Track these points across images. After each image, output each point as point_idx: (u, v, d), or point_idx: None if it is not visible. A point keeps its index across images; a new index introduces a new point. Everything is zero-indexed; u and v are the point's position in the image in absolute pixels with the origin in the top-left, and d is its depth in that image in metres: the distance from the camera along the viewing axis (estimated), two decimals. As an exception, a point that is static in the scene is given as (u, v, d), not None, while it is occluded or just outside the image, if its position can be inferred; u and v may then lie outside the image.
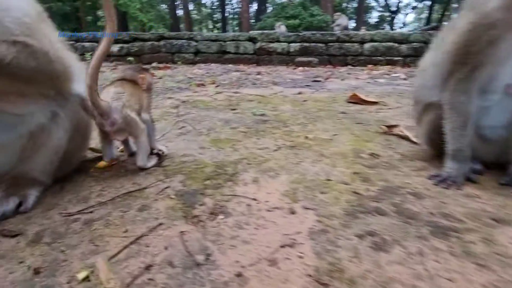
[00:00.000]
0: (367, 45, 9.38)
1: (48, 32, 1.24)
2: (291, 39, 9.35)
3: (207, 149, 1.85)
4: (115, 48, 8.97)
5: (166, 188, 1.34)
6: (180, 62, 9.00)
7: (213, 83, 5.24)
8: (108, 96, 1.43)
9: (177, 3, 24.61)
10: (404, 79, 6.39)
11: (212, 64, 8.84)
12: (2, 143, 1.21)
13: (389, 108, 3.04)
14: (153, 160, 1.59)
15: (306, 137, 2.05)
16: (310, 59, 9.22)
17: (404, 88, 4.74)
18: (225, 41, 9.27)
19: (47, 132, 1.29)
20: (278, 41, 9.35)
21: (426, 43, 9.07)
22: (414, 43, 9.23)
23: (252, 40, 9.29)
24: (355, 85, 5.24)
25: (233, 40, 9.26)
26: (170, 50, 9.15)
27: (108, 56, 9.13)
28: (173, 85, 4.87)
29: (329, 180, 1.40)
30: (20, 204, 1.17)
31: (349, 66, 9.05)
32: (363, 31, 10.09)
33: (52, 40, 1.24)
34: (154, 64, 8.64)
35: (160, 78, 5.93)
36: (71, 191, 1.33)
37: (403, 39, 9.28)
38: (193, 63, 9.14)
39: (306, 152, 1.78)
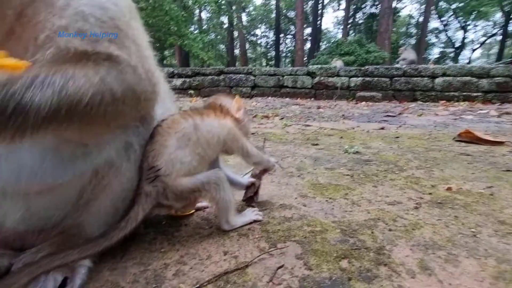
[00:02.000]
0: (438, 80, 8.52)
1: (137, 34, 0.86)
2: (352, 73, 8.88)
3: (311, 199, 1.33)
4: (178, 82, 9.29)
5: (280, 268, 0.82)
6: (238, 95, 8.96)
7: (277, 116, 4.87)
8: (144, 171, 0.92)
9: (235, 43, 26.04)
10: (498, 116, 5.41)
11: (269, 98, 8.65)
12: (54, 184, 0.82)
13: (527, 151, 2.27)
14: (248, 215, 1.10)
15: (449, 189, 1.42)
16: (372, 94, 8.59)
17: (511, 127, 3.86)
18: (282, 76, 9.12)
19: (116, 169, 0.87)
20: (338, 75, 8.94)
21: (512, 77, 7.96)
22: (497, 78, 8.14)
23: (310, 74, 9.00)
24: (441, 122, 4.47)
25: (290, 74, 9.07)
26: (229, 84, 9.22)
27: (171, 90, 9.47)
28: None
29: None
30: (64, 283, 0.73)
31: (419, 102, 8.20)
32: (432, 65, 9.27)
33: (142, 46, 0.86)
34: (211, 97, 8.70)
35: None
36: (136, 260, 0.87)
37: (483, 73, 8.26)
38: (250, 96, 9.05)
39: (469, 215, 1.16)
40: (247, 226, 1.06)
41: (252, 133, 3.16)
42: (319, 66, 9.19)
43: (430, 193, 1.38)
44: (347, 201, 1.30)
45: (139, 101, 0.85)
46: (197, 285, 0.75)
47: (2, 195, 0.80)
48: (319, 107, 6.70)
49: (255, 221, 1.09)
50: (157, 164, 0.90)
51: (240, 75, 9.26)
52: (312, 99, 8.77)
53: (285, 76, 9.08)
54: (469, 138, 2.63)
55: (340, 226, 1.06)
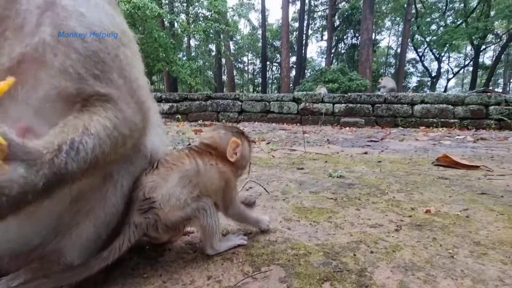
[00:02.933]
0: (417, 107, 8.92)
1: (125, 64, 0.86)
2: (336, 100, 9.20)
3: (295, 222, 1.34)
4: (166, 106, 9.34)
5: (263, 292, 0.82)
6: (225, 120, 9.06)
7: (263, 140, 4.93)
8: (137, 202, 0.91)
9: (223, 69, 26.68)
10: (474, 141, 5.67)
11: (256, 123, 8.78)
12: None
13: (500, 175, 2.39)
14: (232, 240, 1.10)
15: (427, 211, 1.47)
16: (356, 119, 8.87)
17: (486, 152, 4.05)
18: (269, 101, 9.33)
19: (100, 194, 0.88)
20: (322, 102, 9.23)
21: (485, 105, 8.44)
22: (471, 105, 8.61)
23: (296, 100, 9.26)
24: (421, 146, 4.64)
25: (277, 100, 9.30)
26: (216, 109, 9.33)
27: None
28: (222, 141, 4.62)
29: (542, 298, 0.81)
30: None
31: (400, 127, 8.51)
32: (411, 93, 9.74)
33: (131, 77, 0.87)
34: (200, 121, 8.76)
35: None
36: (118, 285, 0.85)
37: (458, 101, 8.73)
38: (237, 121, 9.16)
39: (446, 236, 1.20)
40: (232, 250, 1.06)
41: (239, 158, 3.18)
42: (304, 92, 9.49)
43: (410, 216, 1.42)
44: (330, 224, 1.33)
45: (129, 136, 0.87)
46: (180, 311, 0.74)
47: None
48: (304, 132, 6.84)
49: (239, 245, 1.09)
50: (153, 196, 0.89)
51: (228, 100, 9.42)
52: (298, 124, 8.95)
53: (272, 102, 9.29)
54: (447, 162, 2.75)
55: (323, 249, 1.08)
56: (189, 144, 4.24)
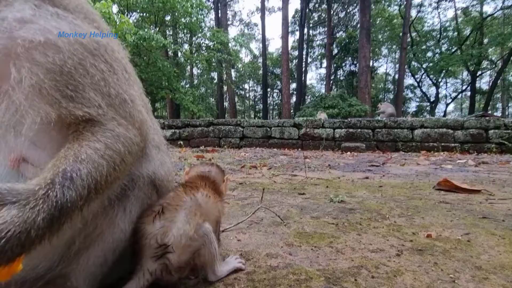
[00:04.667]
0: (418, 131, 9.01)
1: (108, 76, 0.86)
2: (336, 125, 9.32)
3: (297, 247, 1.35)
4: (168, 132, 9.47)
5: (265, 318, 0.83)
6: (226, 146, 9.14)
7: (265, 166, 4.96)
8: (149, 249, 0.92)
9: (224, 96, 27.29)
10: (475, 165, 5.67)
11: (257, 148, 8.85)
12: None
13: (502, 199, 2.39)
14: (231, 263, 1.11)
15: (428, 236, 1.48)
16: (357, 144, 8.94)
17: (487, 176, 4.05)
18: (270, 127, 9.46)
19: (109, 220, 0.91)
20: (323, 127, 9.34)
21: (485, 129, 8.51)
22: (471, 129, 8.68)
23: (297, 126, 9.38)
24: (422, 171, 4.65)
25: (278, 126, 9.43)
26: (218, 135, 9.45)
27: (159, 140, 9.58)
28: (224, 166, 4.65)
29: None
30: None
31: (401, 152, 8.54)
32: (410, 118, 9.87)
33: (116, 91, 0.86)
34: (202, 147, 8.83)
35: (210, 160, 5.82)
36: (120, 313, 0.86)
37: (458, 126, 8.82)
38: (239, 147, 9.24)
39: (448, 261, 1.20)
40: (233, 275, 1.07)
41: (240, 183, 3.20)
42: (305, 118, 9.64)
43: (411, 240, 1.43)
44: (331, 249, 1.33)
45: (133, 147, 0.90)
46: (182, 337, 0.74)
47: None
48: (305, 157, 6.87)
49: (238, 269, 1.10)
50: (166, 241, 0.90)
51: (229, 126, 9.55)
52: (299, 149, 9.00)
53: (273, 128, 9.42)
54: (447, 187, 2.76)
55: (324, 274, 1.08)
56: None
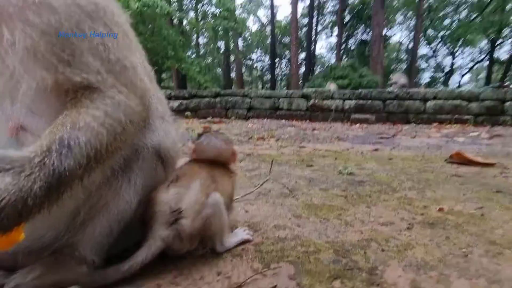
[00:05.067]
0: (430, 103, 8.74)
1: (107, 41, 0.81)
2: (346, 96, 9.09)
3: (305, 219, 1.33)
4: (175, 103, 9.41)
5: (273, 289, 0.82)
6: (234, 117, 9.08)
7: (273, 137, 4.92)
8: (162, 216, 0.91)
9: (231, 66, 26.72)
10: (489, 138, 5.53)
11: (265, 120, 8.76)
12: None
13: (517, 173, 2.32)
14: (239, 235, 1.11)
15: (440, 210, 1.44)
16: (366, 116, 8.76)
17: (501, 149, 3.94)
18: (278, 98, 9.29)
19: (114, 191, 0.89)
20: (332, 98, 9.13)
21: (501, 101, 8.20)
22: (486, 101, 8.38)
23: (305, 97, 9.19)
24: (434, 144, 4.55)
25: (286, 97, 9.25)
26: (225, 106, 9.36)
27: (166, 111, 9.55)
28: (231, 137, 4.62)
29: (562, 299, 0.78)
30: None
31: (412, 124, 8.36)
32: (423, 89, 9.55)
33: (116, 57, 0.82)
34: (209, 119, 8.79)
35: (217, 131, 5.80)
36: (129, 280, 0.87)
37: (473, 97, 8.51)
38: (246, 118, 9.16)
39: (460, 235, 1.18)
40: (241, 246, 1.06)
41: (248, 154, 3.18)
42: (314, 89, 9.41)
43: (422, 214, 1.40)
44: (340, 221, 1.31)
45: (134, 116, 0.86)
46: (190, 306, 0.74)
47: None
48: (314, 129, 6.80)
49: (246, 241, 1.09)
50: (180, 206, 0.90)
51: (237, 97, 9.42)
52: (307, 121, 8.89)
53: (281, 99, 9.25)
54: (460, 159, 2.68)
55: (333, 247, 1.07)
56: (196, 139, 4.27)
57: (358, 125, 8.14)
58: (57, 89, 0.76)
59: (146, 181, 1.00)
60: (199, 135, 1.23)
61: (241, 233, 1.12)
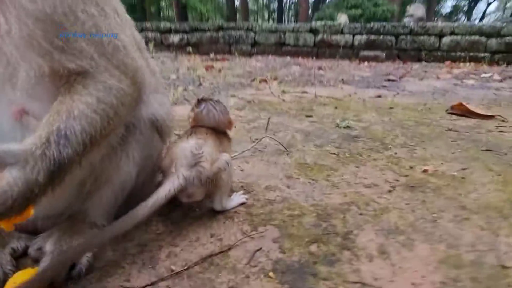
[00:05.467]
0: (446, 39, 8.21)
1: (100, 21, 0.81)
2: (356, 31, 8.53)
3: (295, 180, 1.44)
4: (176, 38, 9.00)
5: (258, 251, 0.96)
6: (237, 53, 8.72)
7: (276, 79, 4.83)
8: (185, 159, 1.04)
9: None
10: (500, 81, 5.35)
11: (270, 56, 8.42)
12: None
13: (514, 127, 2.34)
14: (235, 199, 1.22)
15: (425, 171, 1.53)
16: (376, 53, 8.35)
17: (510, 95, 3.86)
18: (284, 33, 8.77)
19: (114, 164, 0.97)
20: (342, 33, 8.59)
21: (525, 37, 7.64)
22: (507, 37, 7.82)
23: (313, 31, 8.65)
24: (441, 88, 4.45)
25: (293, 31, 8.72)
26: (228, 41, 8.93)
27: (168, 46, 9.19)
28: (234, 80, 4.55)
29: (505, 267, 0.90)
30: (72, 266, 0.87)
31: (423, 63, 8.00)
32: (441, 23, 8.84)
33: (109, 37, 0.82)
34: (211, 55, 8.49)
35: (220, 71, 5.68)
36: (135, 241, 1.01)
37: (493, 32, 7.92)
38: (250, 54, 8.81)
39: (436, 199, 1.28)
40: (234, 209, 1.18)
41: (249, 101, 3.19)
42: (323, 22, 8.78)
43: (406, 175, 1.49)
44: (328, 182, 1.42)
45: (126, 98, 0.89)
46: (186, 267, 0.89)
47: None
48: (320, 68, 6.58)
49: (242, 204, 1.21)
50: (201, 152, 1.05)
51: (240, 31, 8.92)
52: (314, 58, 8.54)
53: (287, 33, 8.74)
54: (461, 111, 2.68)
55: (316, 210, 1.18)
56: (200, 84, 4.22)
57: (366, 63, 7.82)
58: (53, 75, 0.79)
59: (144, 152, 1.07)
60: (199, 102, 1.27)
61: (238, 197, 1.23)
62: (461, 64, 7.74)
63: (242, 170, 1.55)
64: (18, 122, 0.84)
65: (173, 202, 1.16)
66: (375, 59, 8.24)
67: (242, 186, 1.37)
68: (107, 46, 0.83)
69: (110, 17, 0.85)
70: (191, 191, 1.04)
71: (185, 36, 9.03)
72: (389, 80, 5.16)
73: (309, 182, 1.42)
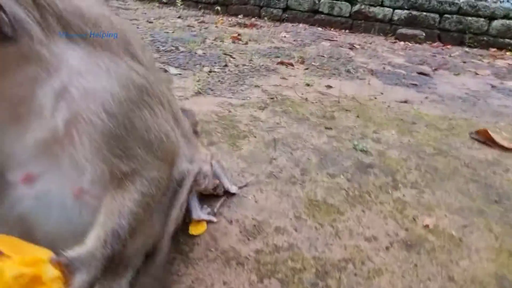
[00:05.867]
0: (497, 23, 7.47)
1: (153, 122, 0.93)
2: (398, 4, 7.85)
3: (303, 222, 1.59)
4: (204, -5, 8.61)
5: (261, 307, 1.15)
6: (267, 18, 8.33)
7: (302, 63, 4.71)
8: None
9: None
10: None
11: (300, 25, 8.01)
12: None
13: (534, 167, 2.32)
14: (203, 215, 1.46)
15: (426, 226, 1.63)
16: (415, 32, 7.74)
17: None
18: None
19: (147, 221, 1.15)
20: (382, 5, 7.94)
21: None
22: None
23: (351, 1, 8.03)
24: (474, 91, 4.25)
25: (328, -2, 8.11)
26: (258, 4, 8.47)
27: (196, 3, 8.87)
28: (260, 61, 4.48)
29: None
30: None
31: (465, 48, 7.41)
32: (494, 4, 7.95)
33: (158, 134, 0.94)
34: (240, 17, 8.17)
35: (246, 44, 5.55)
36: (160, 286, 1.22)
37: (554, 20, 7.11)
38: (280, 20, 8.39)
39: (428, 263, 1.40)
40: (244, 254, 1.36)
41: (271, 98, 3.22)
42: (363, -9, 8.07)
43: (406, 229, 1.60)
44: (332, 229, 1.56)
45: (164, 181, 1.04)
46: (201, 318, 1.10)
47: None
48: (351, 47, 6.29)
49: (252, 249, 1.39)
50: None
51: (272, -7, 8.39)
52: (347, 31, 8.06)
53: (322, 0, 8.16)
54: (484, 138, 2.64)
55: (317, 265, 1.35)
56: (225, 65, 4.21)
57: (402, 43, 7.33)
58: (110, 175, 0.93)
59: (171, 202, 1.24)
60: None
61: (205, 215, 1.49)
62: (508, 53, 7.13)
63: (256, 202, 1.71)
64: (77, 200, 1.01)
65: (191, 237, 1.35)
66: (413, 38, 7.67)
67: (254, 225, 1.53)
68: (154, 142, 0.94)
69: (157, 113, 0.95)
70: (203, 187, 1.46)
71: (215, -6, 8.62)
72: (421, 73, 4.92)
73: (315, 227, 1.56)
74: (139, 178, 0.94)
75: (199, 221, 1.46)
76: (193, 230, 1.43)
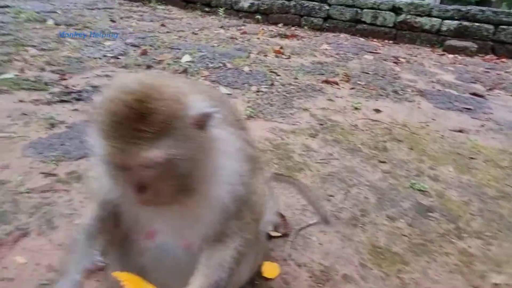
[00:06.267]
0: (559, 35, 6.92)
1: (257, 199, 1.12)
2: (447, 14, 7.51)
3: (369, 271, 1.63)
4: (246, 4, 8.78)
5: None
6: (307, 27, 8.32)
7: (347, 81, 4.69)
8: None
9: None
10: None
11: (341, 35, 7.92)
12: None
13: None
14: None
15: (496, 285, 1.61)
16: (466, 44, 7.36)
17: None
18: (361, 8, 8.04)
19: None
20: (429, 16, 7.64)
21: None
22: None
23: (396, 10, 7.80)
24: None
25: (372, 8, 7.94)
26: (299, 13, 8.48)
27: (237, 12, 9.05)
28: (304, 79, 4.51)
29: None
30: None
31: (522, 62, 6.93)
32: (560, 12, 7.36)
33: (257, 202, 1.11)
34: (280, 26, 8.24)
35: (289, 58, 5.61)
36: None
37: None
38: (321, 29, 8.34)
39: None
40: (316, 304, 1.44)
41: (321, 125, 3.25)
42: (409, 0, 7.81)
43: (475, 287, 1.59)
44: (399, 281, 1.58)
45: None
46: None
47: None
48: (396, 61, 6.13)
49: None
50: None
51: (313, 2, 8.36)
52: (392, 41, 7.84)
53: (365, 10, 8.00)
54: (552, 180, 2.50)
55: (387, 322, 1.39)
56: (272, 84, 4.28)
57: (451, 56, 7.01)
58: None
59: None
60: None
61: None
62: None
63: (320, 244, 1.77)
64: (186, 251, 1.14)
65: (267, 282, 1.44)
66: (463, 50, 7.30)
67: (322, 271, 1.60)
68: (256, 207, 1.11)
69: (259, 178, 1.15)
70: None
71: (256, 3, 8.73)
72: (475, 94, 4.70)
73: (381, 277, 1.60)
74: (236, 236, 1.06)
75: (272, 264, 1.56)
76: (267, 273, 1.52)
